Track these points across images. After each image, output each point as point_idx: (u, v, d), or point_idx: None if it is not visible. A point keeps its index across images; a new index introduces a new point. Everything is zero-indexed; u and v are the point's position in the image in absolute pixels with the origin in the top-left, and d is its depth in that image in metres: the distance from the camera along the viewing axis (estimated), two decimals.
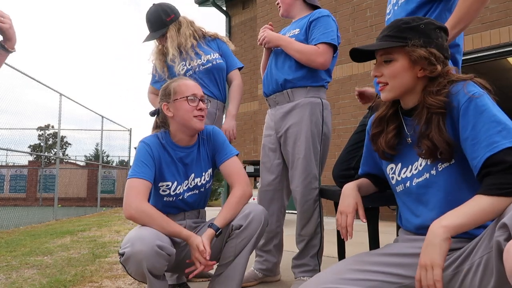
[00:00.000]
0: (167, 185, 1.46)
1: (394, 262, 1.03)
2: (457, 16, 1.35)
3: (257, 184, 4.88)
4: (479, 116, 0.91)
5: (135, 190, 1.32)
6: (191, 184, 1.51)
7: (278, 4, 1.95)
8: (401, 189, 1.12)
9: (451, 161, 0.99)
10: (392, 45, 1.03)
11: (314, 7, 1.90)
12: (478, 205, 0.85)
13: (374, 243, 1.60)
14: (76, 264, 2.54)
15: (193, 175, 1.51)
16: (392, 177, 1.15)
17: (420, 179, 1.06)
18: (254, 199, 4.89)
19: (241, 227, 1.38)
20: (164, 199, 1.48)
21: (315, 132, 1.78)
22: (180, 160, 1.49)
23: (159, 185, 1.46)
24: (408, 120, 1.10)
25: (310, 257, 1.80)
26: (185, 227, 1.48)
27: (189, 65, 2.01)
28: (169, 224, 1.30)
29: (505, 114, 0.90)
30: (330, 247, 2.12)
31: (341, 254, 1.77)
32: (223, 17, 8.39)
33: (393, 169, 1.14)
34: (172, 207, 1.51)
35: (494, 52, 4.31)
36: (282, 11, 1.94)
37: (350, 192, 1.18)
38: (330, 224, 2.04)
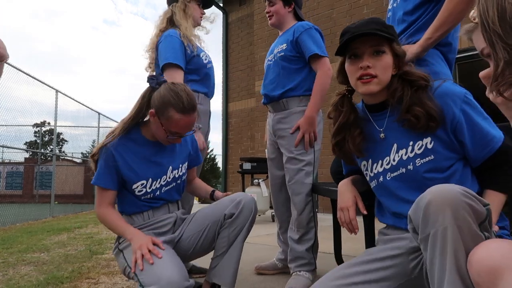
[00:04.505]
0: (142, 184, 1.43)
1: (376, 268, 1.04)
2: (441, 18, 1.34)
3: (255, 181, 4.89)
4: (475, 115, 1.01)
5: (99, 197, 1.44)
6: (169, 178, 1.49)
7: (268, 13, 2.00)
8: (375, 184, 1.14)
9: (436, 130, 1.02)
10: (389, 37, 1.04)
11: (299, 19, 2.02)
12: (500, 203, 0.98)
13: (370, 239, 1.62)
14: (73, 261, 2.54)
15: (170, 167, 1.49)
16: (366, 174, 1.17)
17: (395, 173, 1.08)
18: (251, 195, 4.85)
19: (233, 215, 1.40)
20: (142, 198, 1.45)
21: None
22: (153, 156, 1.46)
23: (134, 187, 1.42)
24: (376, 116, 1.13)
25: (305, 250, 1.82)
26: (176, 221, 1.51)
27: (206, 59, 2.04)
28: (117, 228, 1.42)
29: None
30: (326, 243, 2.14)
31: (338, 250, 1.79)
32: (220, 14, 8.36)
33: (366, 166, 1.17)
34: (152, 203, 1.48)
35: None
36: (273, 21, 2.01)
37: (346, 187, 1.19)
38: (326, 221, 2.06)
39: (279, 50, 1.97)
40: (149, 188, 1.44)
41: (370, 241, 1.60)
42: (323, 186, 1.81)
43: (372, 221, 1.62)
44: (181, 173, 1.53)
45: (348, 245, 1.88)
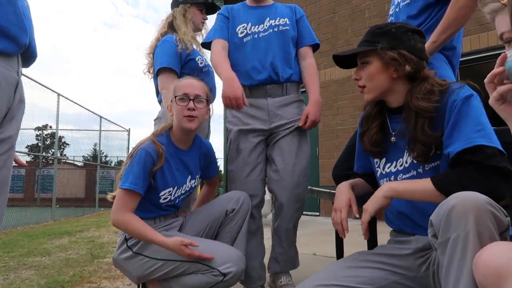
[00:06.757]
0: (169, 191, 1.43)
1: (384, 261, 1.09)
2: (446, 21, 1.37)
3: None
4: (466, 114, 0.96)
5: (124, 201, 1.33)
6: (187, 187, 1.51)
7: None
8: (386, 182, 1.15)
9: (439, 159, 1.02)
10: (362, 49, 1.09)
11: None
12: (423, 187, 0.96)
13: (372, 243, 1.61)
14: (74, 265, 2.54)
15: (189, 177, 1.52)
16: (377, 171, 1.19)
17: (407, 175, 1.09)
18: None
19: (234, 210, 1.50)
20: (164, 206, 1.46)
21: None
22: (181, 164, 1.48)
23: (161, 194, 1.41)
24: (394, 118, 1.14)
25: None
26: (182, 223, 1.54)
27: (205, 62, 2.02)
28: (144, 236, 1.33)
29: (488, 119, 0.97)
30: (328, 247, 2.13)
31: (339, 254, 1.78)
32: None
33: (378, 163, 1.19)
34: (167, 210, 1.49)
35: (492, 53, 4.33)
36: None
37: (343, 190, 1.21)
38: (327, 224, 2.06)
39: (282, 23, 1.73)
40: (173, 195, 1.46)
41: (372, 246, 1.59)
42: (324, 190, 1.81)
43: (375, 225, 1.62)
44: (194, 184, 1.56)
45: (349, 248, 1.86)
